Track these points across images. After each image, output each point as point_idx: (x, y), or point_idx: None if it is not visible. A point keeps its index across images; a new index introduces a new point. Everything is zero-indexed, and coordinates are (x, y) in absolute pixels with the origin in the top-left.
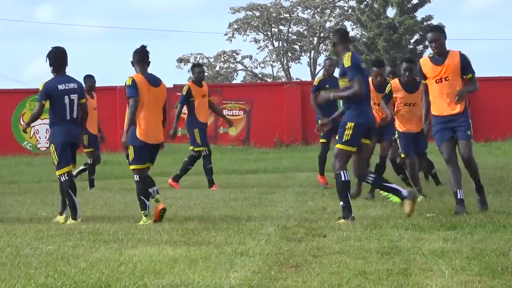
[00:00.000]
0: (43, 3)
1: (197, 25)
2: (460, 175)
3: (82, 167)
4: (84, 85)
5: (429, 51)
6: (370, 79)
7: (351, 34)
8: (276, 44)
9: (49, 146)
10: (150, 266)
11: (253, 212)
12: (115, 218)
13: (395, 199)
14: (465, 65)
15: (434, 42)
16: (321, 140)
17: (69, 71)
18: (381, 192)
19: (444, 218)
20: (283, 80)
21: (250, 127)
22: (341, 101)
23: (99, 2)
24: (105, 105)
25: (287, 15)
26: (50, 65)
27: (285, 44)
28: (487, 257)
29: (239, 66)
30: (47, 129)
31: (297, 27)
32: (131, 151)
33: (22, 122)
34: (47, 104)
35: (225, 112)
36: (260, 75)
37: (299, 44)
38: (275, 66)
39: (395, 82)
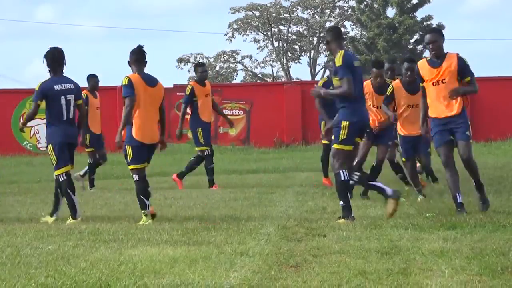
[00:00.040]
0: (43, 3)
1: (197, 25)
2: (458, 178)
3: (87, 167)
4: (87, 85)
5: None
6: (369, 80)
7: (351, 34)
8: (276, 44)
9: (46, 146)
10: (150, 266)
11: (253, 212)
12: (115, 218)
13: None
14: (463, 68)
15: (432, 43)
16: (322, 141)
17: (69, 71)
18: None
19: (444, 218)
20: (283, 80)
21: (250, 127)
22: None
23: (99, 2)
24: (105, 105)
25: (287, 15)
26: (48, 65)
27: (285, 44)
28: (487, 257)
29: (239, 66)
30: None
31: (297, 27)
32: (129, 151)
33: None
34: (42, 104)
35: (224, 112)
36: (260, 75)
37: (299, 44)
38: (275, 66)
39: (396, 83)
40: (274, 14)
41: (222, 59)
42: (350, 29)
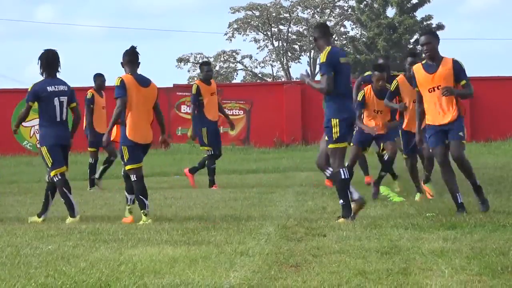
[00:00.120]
0: (43, 3)
1: (197, 25)
2: (455, 178)
3: (101, 167)
4: (94, 84)
5: None
6: (369, 86)
7: (351, 34)
8: (276, 43)
9: (40, 148)
10: (150, 265)
11: (253, 212)
12: (115, 218)
13: (395, 198)
14: (458, 72)
15: (426, 45)
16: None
17: (69, 71)
18: (382, 191)
19: (444, 217)
20: (283, 80)
21: (250, 127)
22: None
23: (99, 2)
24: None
25: (287, 15)
26: (41, 67)
27: (285, 44)
28: (487, 257)
29: (239, 66)
30: None
31: (297, 27)
32: (125, 151)
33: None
34: (34, 106)
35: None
36: (260, 75)
37: (299, 44)
38: (275, 65)
39: (401, 78)
40: (274, 14)
41: (222, 59)
42: (350, 29)
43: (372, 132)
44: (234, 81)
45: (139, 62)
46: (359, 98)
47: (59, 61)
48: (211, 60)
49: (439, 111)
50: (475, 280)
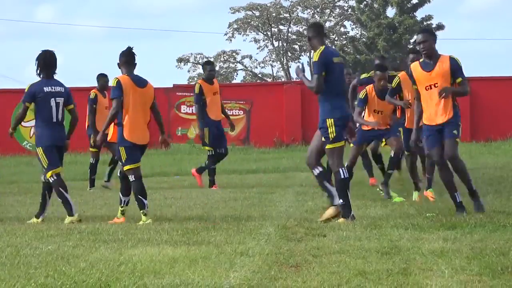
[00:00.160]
0: (43, 3)
1: (197, 25)
2: (453, 177)
3: (108, 169)
4: (97, 84)
5: None
6: (371, 85)
7: (351, 34)
8: (276, 44)
9: (36, 149)
10: (150, 266)
11: (253, 212)
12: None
13: (396, 198)
14: (455, 69)
15: (422, 43)
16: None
17: (69, 71)
18: (381, 191)
19: (444, 218)
20: (283, 80)
21: (250, 127)
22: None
23: (99, 2)
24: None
25: (287, 15)
26: (38, 68)
27: (285, 44)
28: (487, 257)
29: (239, 66)
30: None
31: (297, 27)
32: (122, 152)
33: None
34: (31, 107)
35: None
36: (260, 75)
37: (299, 44)
38: (275, 66)
39: (403, 75)
40: (274, 14)
41: (222, 59)
42: (350, 29)
43: (373, 126)
44: (234, 81)
45: (136, 63)
46: (361, 96)
47: (56, 62)
48: (211, 60)
49: (435, 109)
50: (475, 280)
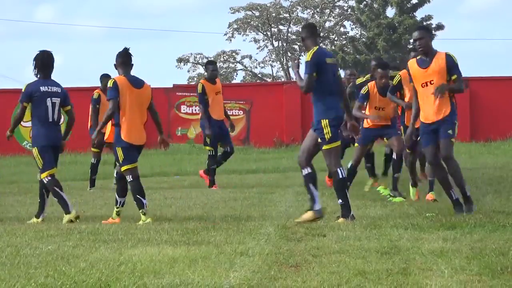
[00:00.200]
0: (43, 3)
1: (197, 25)
2: (447, 175)
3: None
4: (100, 84)
5: None
6: (373, 82)
7: (351, 34)
8: (275, 44)
9: (32, 149)
10: (150, 266)
11: (253, 212)
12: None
13: (396, 198)
14: (451, 66)
15: (419, 40)
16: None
17: (69, 71)
18: (381, 192)
19: (444, 218)
20: (283, 80)
21: (250, 127)
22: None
23: (99, 2)
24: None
25: (287, 15)
26: (36, 68)
27: (284, 44)
28: (487, 257)
29: (239, 66)
30: None
31: (297, 27)
32: (119, 153)
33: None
34: (29, 106)
35: None
36: (259, 75)
37: (298, 44)
38: (274, 66)
39: (404, 73)
40: (274, 14)
41: (221, 59)
42: (350, 29)
43: (374, 119)
44: (234, 81)
45: (133, 64)
46: (363, 91)
47: (53, 63)
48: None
49: (432, 106)
50: (475, 280)
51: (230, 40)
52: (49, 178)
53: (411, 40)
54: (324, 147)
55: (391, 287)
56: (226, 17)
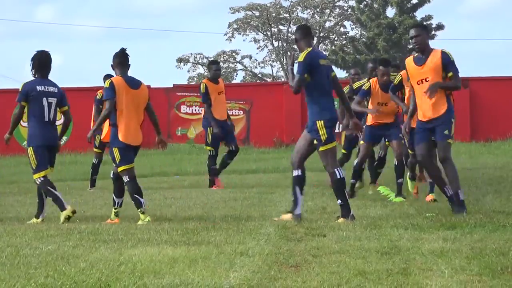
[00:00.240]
0: (43, 3)
1: (197, 25)
2: (440, 172)
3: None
4: (103, 84)
5: None
6: (375, 78)
7: (351, 34)
8: (275, 44)
9: (27, 148)
10: (150, 266)
11: (253, 212)
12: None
13: (395, 198)
14: (446, 63)
15: (415, 38)
16: (342, 151)
17: (69, 71)
18: (382, 191)
19: (444, 218)
20: (283, 80)
21: (250, 127)
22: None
23: (99, 2)
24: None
25: (287, 15)
26: (34, 68)
27: (284, 44)
28: (487, 257)
29: (239, 66)
30: None
31: None
32: (116, 153)
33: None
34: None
35: None
36: (259, 75)
37: None
38: (274, 66)
39: (405, 73)
40: (274, 14)
41: (221, 59)
42: (350, 29)
43: (374, 113)
44: (234, 81)
45: (129, 64)
46: (365, 87)
47: (51, 63)
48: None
49: (428, 104)
50: (475, 280)
51: (230, 40)
52: (42, 179)
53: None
54: (321, 149)
55: (391, 287)
56: (226, 17)
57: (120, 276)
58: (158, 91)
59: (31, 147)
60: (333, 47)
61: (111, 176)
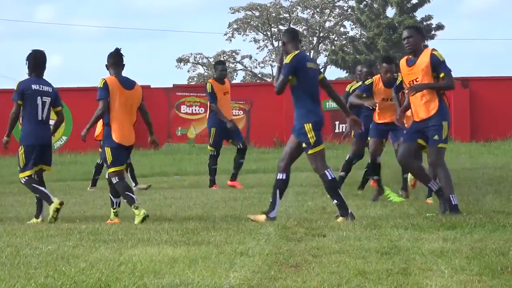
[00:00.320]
0: (43, 3)
1: (197, 25)
2: (423, 169)
3: (128, 175)
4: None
5: None
6: (378, 76)
7: (351, 34)
8: (275, 44)
9: (19, 147)
10: (150, 266)
11: (253, 212)
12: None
13: (395, 198)
14: (436, 64)
15: (407, 39)
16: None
17: (69, 71)
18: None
19: (444, 218)
20: None
21: (250, 127)
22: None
23: (99, 2)
24: None
25: (287, 15)
26: (29, 67)
27: None
28: (487, 257)
29: (239, 66)
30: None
31: (297, 27)
32: (108, 153)
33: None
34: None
35: None
36: (259, 75)
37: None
38: (274, 66)
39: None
40: (273, 14)
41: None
42: (350, 29)
43: (372, 105)
44: (234, 81)
45: (124, 64)
46: (367, 82)
47: (46, 62)
48: (211, 60)
49: (419, 104)
50: (475, 280)
51: (230, 40)
52: (26, 178)
53: None
54: (310, 152)
55: (391, 287)
56: (226, 17)
57: (120, 276)
58: (158, 91)
59: (22, 146)
60: (333, 47)
61: (106, 177)
